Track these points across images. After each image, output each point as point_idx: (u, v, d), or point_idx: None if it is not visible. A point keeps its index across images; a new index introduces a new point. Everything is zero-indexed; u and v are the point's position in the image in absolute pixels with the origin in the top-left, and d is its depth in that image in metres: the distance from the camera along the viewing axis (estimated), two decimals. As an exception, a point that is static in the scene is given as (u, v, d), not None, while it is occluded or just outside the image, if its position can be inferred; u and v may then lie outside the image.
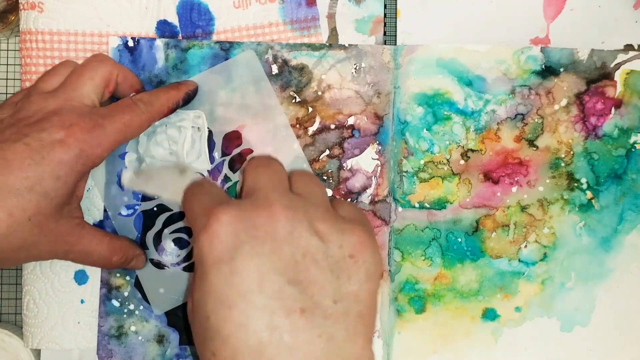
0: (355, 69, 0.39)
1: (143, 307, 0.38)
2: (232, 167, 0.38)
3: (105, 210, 0.38)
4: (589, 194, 0.39)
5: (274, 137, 0.38)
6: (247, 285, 0.25)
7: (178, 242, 0.38)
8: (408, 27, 0.40)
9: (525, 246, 0.39)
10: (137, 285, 0.38)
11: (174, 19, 0.39)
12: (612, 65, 0.39)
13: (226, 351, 0.25)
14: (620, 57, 0.39)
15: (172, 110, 0.36)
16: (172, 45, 0.38)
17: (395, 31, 0.40)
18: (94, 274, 0.38)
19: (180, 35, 0.39)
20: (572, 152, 0.39)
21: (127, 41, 0.38)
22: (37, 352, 0.39)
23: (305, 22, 0.39)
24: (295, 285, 0.26)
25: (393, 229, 0.39)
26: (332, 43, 0.39)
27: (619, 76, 0.39)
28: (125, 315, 0.38)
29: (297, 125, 0.39)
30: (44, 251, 0.32)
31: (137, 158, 0.38)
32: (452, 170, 0.39)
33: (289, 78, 0.39)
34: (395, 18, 0.40)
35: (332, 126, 0.39)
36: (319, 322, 0.25)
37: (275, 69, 0.39)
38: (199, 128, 0.38)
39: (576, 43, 0.40)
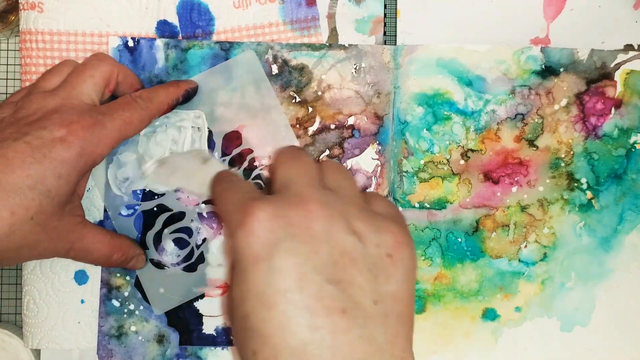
0: (355, 69, 0.39)
1: (143, 307, 0.38)
2: (232, 166, 0.38)
3: (105, 211, 0.38)
4: (589, 194, 0.39)
5: (273, 137, 0.38)
6: (287, 284, 0.25)
7: (178, 242, 0.38)
8: (408, 27, 0.40)
9: (525, 246, 0.39)
10: (137, 285, 0.38)
11: (174, 19, 0.39)
12: (612, 65, 0.39)
13: (267, 351, 0.25)
14: (620, 57, 0.39)
15: (172, 107, 0.36)
16: (172, 45, 0.38)
17: (395, 31, 0.40)
18: (94, 274, 0.38)
19: (180, 35, 0.39)
20: (572, 152, 0.39)
21: (127, 41, 0.38)
22: (37, 352, 0.39)
23: (305, 22, 0.39)
24: (335, 284, 0.25)
25: (393, 229, 0.39)
26: (332, 43, 0.39)
27: (619, 76, 0.39)
28: (125, 315, 0.38)
29: (297, 125, 0.39)
30: (46, 250, 0.32)
31: (137, 158, 0.38)
32: (452, 170, 0.39)
33: (289, 78, 0.39)
34: (395, 18, 0.40)
35: (332, 126, 0.39)
36: (359, 322, 0.25)
37: (275, 69, 0.39)
38: (199, 128, 0.38)
39: (576, 43, 0.40)
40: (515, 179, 0.39)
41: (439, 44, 0.39)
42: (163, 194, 0.38)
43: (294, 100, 0.39)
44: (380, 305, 0.26)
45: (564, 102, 0.39)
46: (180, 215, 0.38)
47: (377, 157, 0.39)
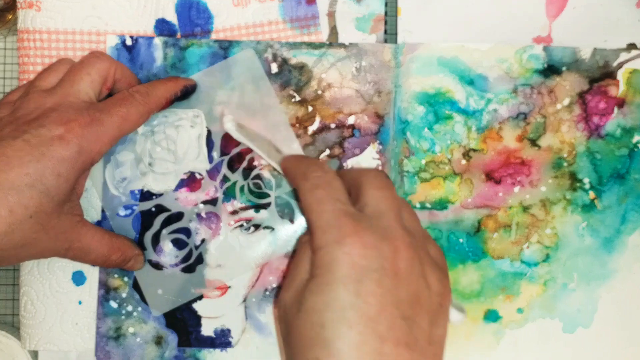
0: (356, 67, 0.38)
1: (141, 309, 0.38)
2: (231, 166, 0.38)
3: (102, 211, 0.38)
4: (592, 194, 0.39)
5: (273, 136, 0.38)
6: (369, 310, 0.27)
7: (176, 243, 0.38)
8: (409, 26, 0.39)
9: (528, 247, 0.39)
10: (135, 286, 0.38)
11: (172, 18, 0.39)
12: (614, 64, 0.39)
13: None
14: (623, 56, 0.39)
15: (171, 102, 0.36)
16: (171, 43, 0.38)
17: (396, 29, 0.39)
18: (92, 275, 0.38)
19: (178, 33, 0.39)
20: (574, 152, 0.39)
21: (125, 40, 0.38)
22: (34, 354, 0.38)
23: (305, 20, 0.39)
24: (406, 320, 0.28)
25: (394, 229, 0.39)
26: (332, 42, 0.39)
27: (621, 75, 0.39)
28: (123, 317, 0.38)
29: (297, 125, 0.38)
30: (44, 249, 0.32)
31: (135, 158, 0.38)
32: (453, 170, 0.39)
33: (289, 77, 0.38)
34: (396, 16, 0.39)
35: (332, 125, 0.38)
36: (416, 358, 0.27)
37: (274, 68, 0.38)
38: (194, 127, 0.38)
39: (578, 42, 0.39)
40: (518, 179, 0.39)
41: (440, 43, 0.39)
42: (161, 194, 0.38)
43: (293, 99, 0.38)
44: (433, 346, 0.29)
45: (566, 101, 0.39)
46: (179, 216, 0.38)
47: (377, 156, 0.39)
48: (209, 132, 0.38)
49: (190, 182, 0.38)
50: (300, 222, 0.38)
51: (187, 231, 0.38)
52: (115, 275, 0.38)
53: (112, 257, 0.35)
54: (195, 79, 0.38)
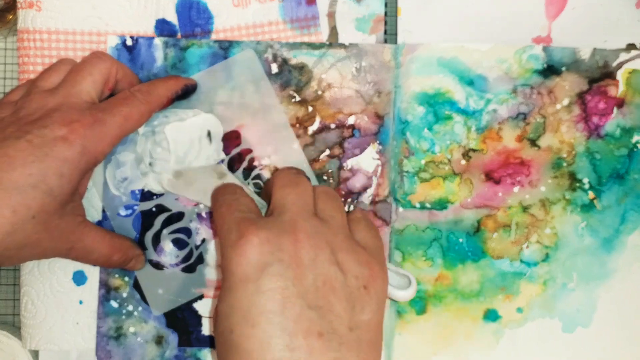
0: (356, 68, 0.38)
1: (142, 308, 0.38)
2: (231, 167, 0.38)
3: (103, 211, 0.38)
4: (591, 194, 0.39)
5: (273, 136, 0.38)
6: (271, 306, 0.27)
7: (177, 243, 0.38)
8: (409, 26, 0.39)
9: (527, 247, 0.39)
10: (136, 286, 0.38)
11: (172, 18, 0.39)
12: (614, 64, 0.39)
13: None
14: (623, 56, 0.39)
15: (172, 101, 0.36)
16: (171, 44, 0.38)
17: (396, 30, 0.39)
18: (93, 274, 0.38)
19: (179, 34, 0.39)
20: (574, 152, 0.39)
21: (125, 40, 0.38)
22: (35, 353, 0.38)
23: (305, 20, 0.39)
24: (315, 310, 0.27)
25: (394, 229, 0.39)
26: (332, 42, 0.39)
27: (621, 75, 0.39)
28: (124, 316, 0.38)
29: (297, 125, 0.38)
30: (47, 249, 0.32)
31: (135, 158, 0.38)
32: (453, 170, 0.39)
33: (289, 77, 0.38)
34: (396, 16, 0.39)
35: (332, 126, 0.39)
36: (334, 346, 0.27)
37: (274, 68, 0.38)
38: (209, 132, 0.38)
39: (578, 42, 0.39)
40: (517, 179, 0.39)
41: (440, 43, 0.39)
42: (162, 194, 0.38)
43: (293, 100, 0.38)
44: (355, 332, 0.28)
45: (565, 102, 0.39)
46: (179, 216, 0.38)
47: (377, 156, 0.39)
48: (209, 133, 0.38)
49: (191, 182, 0.38)
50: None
51: (187, 231, 0.38)
52: (116, 275, 0.38)
53: (114, 257, 0.35)
54: (195, 79, 0.38)
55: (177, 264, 0.38)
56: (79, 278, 0.38)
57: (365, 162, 0.39)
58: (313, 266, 0.28)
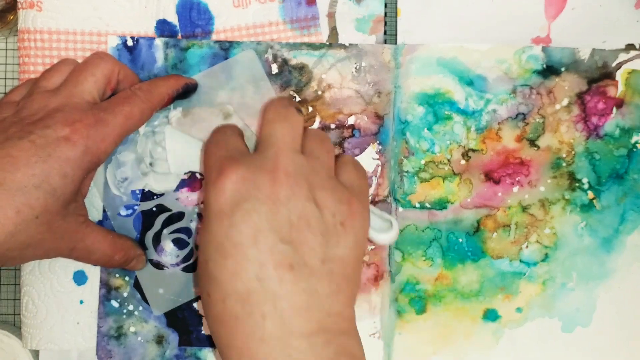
0: (356, 68, 0.39)
1: (142, 308, 0.38)
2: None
3: (104, 211, 0.38)
4: (591, 194, 0.39)
5: (273, 136, 0.38)
6: (243, 238, 0.28)
7: (177, 243, 0.38)
8: (409, 26, 0.39)
9: (527, 246, 0.39)
10: (137, 285, 0.38)
11: (173, 18, 0.39)
12: (613, 64, 0.39)
13: (218, 294, 0.28)
14: (622, 57, 0.39)
15: (172, 99, 0.36)
16: (172, 44, 0.38)
17: (396, 30, 0.39)
18: (93, 274, 0.38)
19: (179, 34, 0.39)
20: (573, 152, 0.39)
21: (126, 40, 0.38)
22: (35, 353, 0.38)
23: (305, 21, 0.39)
24: (287, 243, 0.28)
25: (393, 229, 0.39)
26: (332, 42, 0.39)
27: (620, 76, 0.39)
28: (124, 316, 0.38)
29: (297, 125, 0.38)
30: (49, 249, 0.32)
31: (136, 158, 0.38)
32: (452, 170, 0.39)
33: (289, 77, 0.39)
34: (396, 17, 0.39)
35: (333, 126, 0.39)
36: (304, 277, 0.28)
37: (275, 69, 0.38)
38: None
39: (577, 42, 0.39)
40: (517, 179, 0.39)
41: (440, 43, 0.39)
42: (162, 194, 0.38)
43: (294, 100, 0.38)
44: (327, 265, 0.29)
45: (565, 102, 0.39)
46: (180, 216, 0.38)
47: (377, 156, 0.39)
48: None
49: (191, 182, 0.38)
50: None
51: (188, 231, 0.38)
52: (117, 275, 0.38)
53: (115, 257, 0.35)
54: (196, 79, 0.38)
55: (177, 264, 0.38)
56: (80, 278, 0.38)
57: (365, 162, 0.39)
58: (288, 202, 0.28)
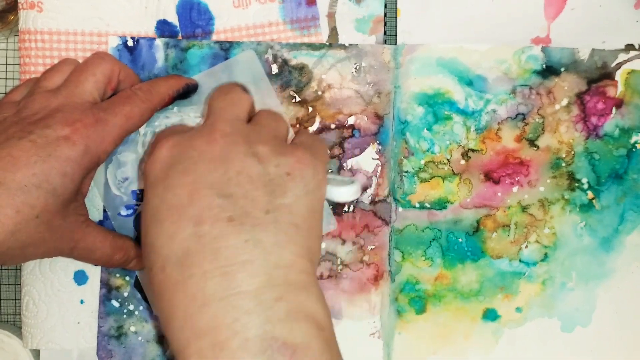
0: (356, 68, 0.39)
1: (143, 308, 0.38)
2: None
3: (104, 211, 0.38)
4: (590, 194, 0.39)
5: (274, 137, 0.38)
6: (178, 199, 0.27)
7: (178, 243, 0.38)
8: (408, 27, 0.40)
9: (526, 246, 0.39)
10: (137, 285, 0.38)
11: (173, 19, 0.39)
12: (613, 65, 0.39)
13: (158, 262, 0.26)
14: (621, 57, 0.39)
15: (173, 100, 0.36)
16: (172, 45, 0.38)
17: (396, 31, 0.40)
18: (94, 274, 0.38)
19: (179, 35, 0.39)
20: (573, 152, 0.39)
21: (126, 41, 0.38)
22: (36, 353, 0.38)
23: (305, 21, 0.39)
24: (226, 197, 0.27)
25: (393, 229, 0.39)
26: (332, 43, 0.39)
27: (619, 76, 0.39)
28: (125, 316, 0.38)
29: (297, 125, 0.39)
30: (50, 248, 0.32)
31: (137, 158, 0.38)
32: (452, 170, 0.39)
33: (289, 78, 0.39)
34: (396, 17, 0.40)
35: (332, 126, 0.39)
36: (246, 229, 0.26)
37: (275, 69, 0.39)
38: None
39: (577, 43, 0.40)
40: (516, 179, 0.39)
41: (440, 44, 0.39)
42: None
43: (294, 100, 0.39)
44: (272, 214, 0.27)
45: (564, 102, 0.39)
46: (180, 216, 0.38)
47: (377, 157, 0.39)
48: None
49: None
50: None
51: (188, 231, 0.38)
52: (117, 275, 0.38)
53: (115, 257, 0.35)
54: (196, 79, 0.38)
55: (177, 264, 0.38)
56: (80, 278, 0.38)
57: (365, 162, 0.39)
58: (226, 159, 0.27)
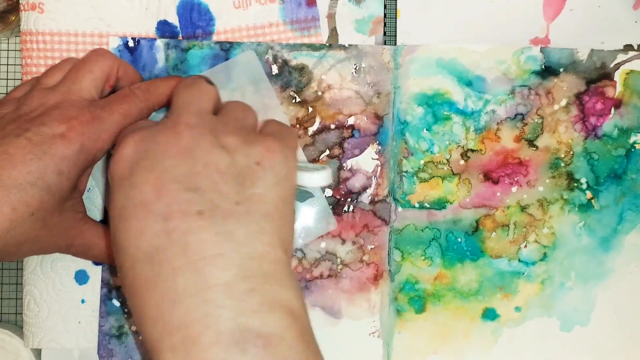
0: (355, 69, 0.39)
1: (143, 307, 0.38)
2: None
3: (105, 210, 0.38)
4: (589, 194, 0.39)
5: (274, 137, 0.38)
6: (145, 196, 0.26)
7: (178, 242, 0.38)
8: (408, 27, 0.40)
9: (525, 246, 0.39)
10: (138, 285, 0.38)
11: (174, 19, 0.39)
12: (611, 65, 0.39)
13: (127, 261, 0.26)
14: (620, 57, 0.39)
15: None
16: (173, 45, 0.38)
17: (395, 31, 0.40)
18: (95, 273, 0.38)
19: (180, 35, 0.39)
20: (571, 152, 0.39)
21: (127, 41, 0.38)
22: (37, 352, 0.39)
23: (306, 22, 0.39)
24: (194, 191, 0.26)
25: (393, 229, 0.39)
26: (332, 43, 0.39)
27: (618, 76, 0.39)
28: (125, 315, 0.38)
29: (297, 126, 0.39)
30: (46, 245, 0.32)
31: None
32: (452, 170, 0.39)
33: (289, 78, 0.39)
34: (395, 18, 0.40)
35: (332, 126, 0.39)
36: (217, 221, 0.26)
37: (275, 69, 0.39)
38: None
39: (576, 43, 0.40)
40: (515, 179, 0.39)
41: (439, 44, 0.39)
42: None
43: (294, 101, 0.39)
44: (243, 205, 0.26)
45: (563, 102, 0.39)
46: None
47: (377, 157, 0.39)
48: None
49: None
50: (300, 222, 0.39)
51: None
52: (118, 274, 0.38)
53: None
54: (196, 80, 0.38)
55: (178, 263, 0.38)
56: (81, 277, 0.38)
57: (365, 162, 0.39)
58: (192, 152, 0.27)
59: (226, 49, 0.39)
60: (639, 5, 0.40)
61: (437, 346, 0.39)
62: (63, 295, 0.38)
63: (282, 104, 0.39)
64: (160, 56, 0.38)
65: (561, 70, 0.39)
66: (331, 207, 0.39)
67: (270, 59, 0.39)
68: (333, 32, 0.40)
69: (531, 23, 0.40)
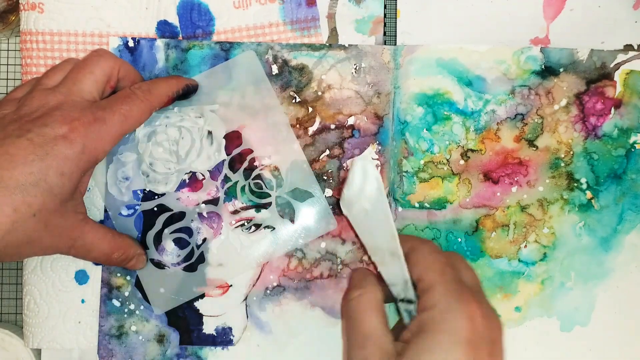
0: (355, 69, 0.39)
1: (143, 307, 0.38)
2: (232, 167, 0.39)
3: (105, 211, 0.38)
4: (589, 194, 0.39)
5: (274, 137, 0.39)
6: None
7: (178, 242, 0.38)
8: (408, 27, 0.40)
9: (525, 246, 0.39)
10: (138, 285, 0.38)
11: (174, 20, 0.39)
12: (611, 65, 0.39)
13: None
14: (620, 57, 0.39)
15: (172, 100, 0.36)
16: (173, 45, 0.38)
17: (395, 31, 0.40)
18: (95, 273, 0.38)
19: (180, 35, 0.39)
20: (571, 152, 0.39)
21: (127, 41, 0.38)
22: (37, 352, 0.39)
23: (306, 22, 0.39)
24: None
25: (393, 228, 0.39)
26: (332, 43, 0.39)
27: (618, 76, 0.39)
28: (125, 315, 0.38)
29: (297, 126, 0.39)
30: (47, 246, 0.32)
31: (137, 158, 0.38)
32: (452, 170, 0.39)
33: (289, 78, 0.39)
34: (395, 18, 0.40)
35: (332, 126, 0.39)
36: None
37: (275, 69, 0.39)
38: (209, 132, 0.38)
39: (576, 43, 0.40)
40: (515, 179, 0.39)
41: (439, 44, 0.39)
42: (163, 194, 0.38)
43: (294, 100, 0.39)
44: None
45: (563, 102, 0.39)
46: (181, 215, 0.38)
47: (377, 157, 0.39)
48: (210, 133, 0.38)
49: (192, 182, 0.38)
50: (300, 222, 0.39)
51: (188, 230, 0.38)
52: (118, 274, 0.38)
53: (114, 255, 0.36)
54: (197, 80, 0.38)
55: (178, 263, 0.38)
56: (81, 277, 0.38)
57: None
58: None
59: (226, 49, 0.39)
60: (639, 5, 0.40)
61: (437, 346, 0.39)
62: (63, 295, 0.38)
63: (282, 103, 0.39)
64: (160, 56, 0.38)
65: (561, 70, 0.39)
66: (331, 207, 0.39)
67: (270, 59, 0.39)
68: (333, 32, 0.40)
69: (531, 23, 0.40)
